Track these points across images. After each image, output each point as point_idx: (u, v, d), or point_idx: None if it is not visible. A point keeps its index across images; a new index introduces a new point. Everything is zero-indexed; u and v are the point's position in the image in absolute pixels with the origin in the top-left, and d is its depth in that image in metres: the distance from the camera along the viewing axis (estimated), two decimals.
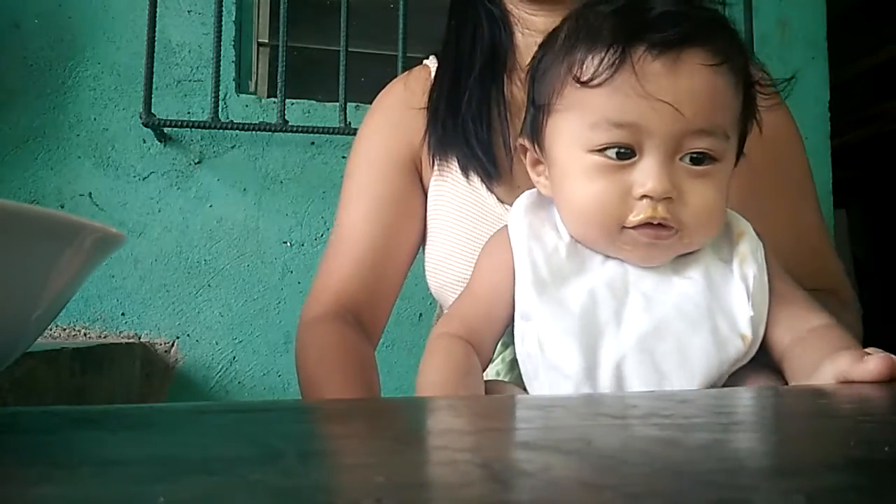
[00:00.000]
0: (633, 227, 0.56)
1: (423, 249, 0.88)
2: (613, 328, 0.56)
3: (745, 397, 0.46)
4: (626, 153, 0.56)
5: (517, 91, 0.82)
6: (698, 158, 0.56)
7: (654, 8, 0.56)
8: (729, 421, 0.34)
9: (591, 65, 0.56)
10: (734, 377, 0.58)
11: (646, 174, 0.55)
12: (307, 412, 0.39)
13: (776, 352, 0.59)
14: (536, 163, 0.64)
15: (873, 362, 0.47)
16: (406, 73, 0.92)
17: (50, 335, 1.52)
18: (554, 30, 0.63)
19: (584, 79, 0.56)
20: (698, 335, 0.56)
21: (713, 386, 0.57)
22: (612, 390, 0.55)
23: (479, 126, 0.79)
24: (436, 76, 0.85)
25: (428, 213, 0.85)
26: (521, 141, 0.65)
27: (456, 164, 0.81)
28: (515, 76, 0.82)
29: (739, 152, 0.63)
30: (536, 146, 0.63)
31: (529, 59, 0.73)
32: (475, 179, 0.80)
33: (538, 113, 0.62)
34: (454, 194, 0.82)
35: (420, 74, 0.88)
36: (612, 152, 0.56)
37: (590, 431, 0.30)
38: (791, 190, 0.83)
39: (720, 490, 0.20)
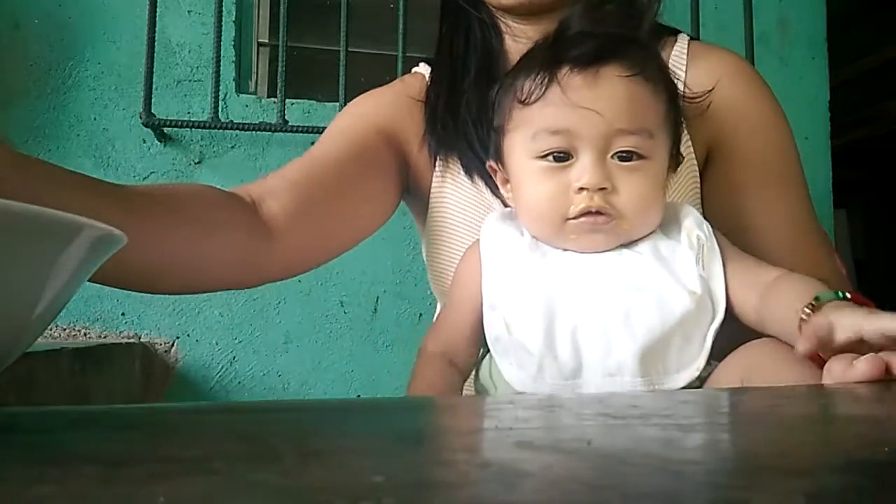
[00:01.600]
0: (574, 218, 0.64)
1: (426, 254, 0.87)
2: (568, 303, 0.63)
3: (745, 397, 0.46)
4: (563, 157, 0.65)
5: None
6: (626, 157, 0.65)
7: (570, 29, 0.68)
8: (729, 421, 0.34)
9: (528, 86, 0.66)
10: (733, 347, 0.62)
11: (581, 171, 0.64)
12: (307, 412, 0.39)
13: (748, 312, 0.64)
14: (505, 181, 0.72)
15: (863, 365, 0.48)
16: (399, 79, 0.91)
17: (50, 335, 1.52)
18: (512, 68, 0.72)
19: (523, 98, 0.66)
20: (642, 298, 0.62)
21: (662, 344, 0.61)
22: (571, 358, 0.61)
23: (480, 128, 0.79)
24: (431, 79, 0.85)
25: (430, 217, 0.84)
26: (489, 164, 0.74)
27: (459, 165, 0.81)
28: (508, 53, 0.83)
29: (677, 152, 0.70)
30: (500, 165, 0.72)
31: None
32: (479, 181, 0.80)
33: (497, 136, 0.71)
34: (458, 196, 0.81)
35: (415, 76, 0.89)
36: (551, 157, 0.65)
37: (590, 431, 0.30)
38: (775, 180, 0.81)
39: (720, 490, 0.20)
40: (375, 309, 1.69)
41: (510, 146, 0.69)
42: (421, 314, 1.70)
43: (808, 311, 0.55)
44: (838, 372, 0.49)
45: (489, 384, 0.66)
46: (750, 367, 0.59)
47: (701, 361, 0.61)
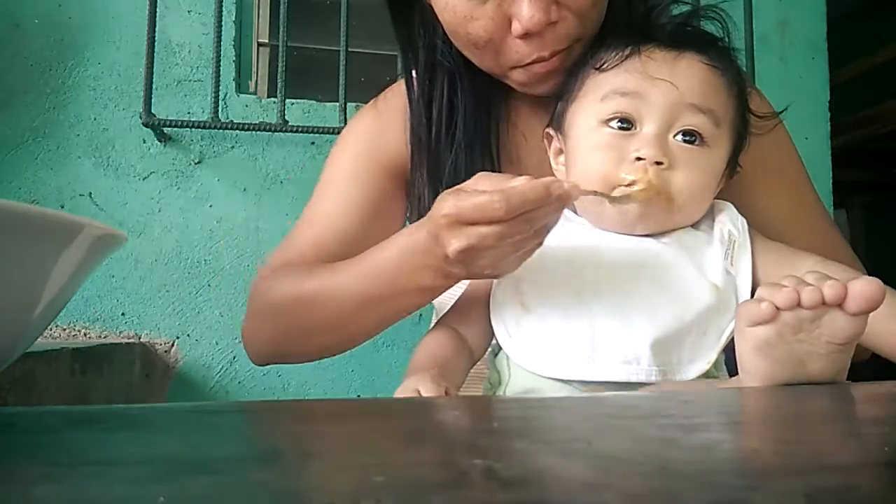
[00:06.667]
0: (626, 186, 0.63)
1: None
2: (590, 286, 0.63)
3: (745, 397, 0.46)
4: (627, 126, 0.64)
5: (510, 129, 0.81)
6: (689, 139, 0.64)
7: (665, 23, 0.68)
8: (729, 421, 0.34)
9: (607, 56, 0.67)
10: None
11: (642, 141, 0.63)
12: (307, 412, 0.39)
13: None
14: (558, 152, 0.72)
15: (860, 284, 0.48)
16: (396, 89, 0.88)
17: (50, 335, 1.52)
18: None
19: (599, 65, 0.67)
20: (664, 288, 0.62)
21: (678, 335, 0.60)
22: (587, 342, 0.60)
23: None
24: (410, 142, 0.81)
25: None
26: (547, 130, 0.73)
27: None
28: (513, 109, 0.81)
29: (734, 162, 0.69)
30: (559, 134, 0.72)
31: (524, 94, 0.75)
32: None
33: (564, 104, 0.71)
34: None
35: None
36: (615, 123, 0.65)
37: (590, 431, 0.30)
38: (788, 183, 0.82)
39: (720, 490, 0.20)
40: None
41: (576, 111, 0.69)
42: (420, 314, 1.70)
43: None
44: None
45: (504, 368, 0.65)
46: None
47: (713, 355, 0.61)
